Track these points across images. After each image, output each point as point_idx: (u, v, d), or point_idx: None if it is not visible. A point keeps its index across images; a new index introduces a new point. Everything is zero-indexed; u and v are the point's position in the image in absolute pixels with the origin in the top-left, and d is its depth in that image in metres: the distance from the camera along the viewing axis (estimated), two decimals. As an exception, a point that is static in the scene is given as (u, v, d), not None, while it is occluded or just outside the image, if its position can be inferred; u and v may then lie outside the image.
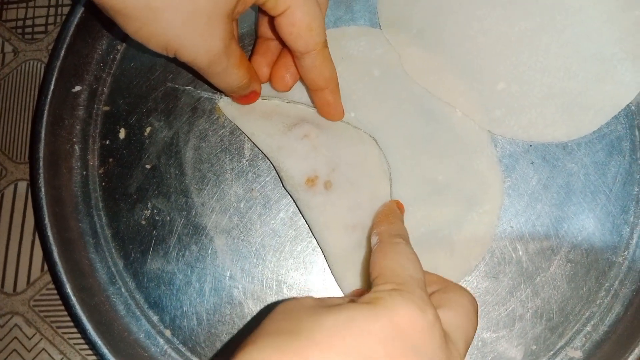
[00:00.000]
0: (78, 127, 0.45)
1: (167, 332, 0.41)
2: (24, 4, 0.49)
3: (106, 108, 0.45)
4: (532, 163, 0.42)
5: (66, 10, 0.48)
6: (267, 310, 0.41)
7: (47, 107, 0.42)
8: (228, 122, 0.44)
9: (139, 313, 0.42)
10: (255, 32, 0.44)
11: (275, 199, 0.43)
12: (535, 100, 0.42)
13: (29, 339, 0.43)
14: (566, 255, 0.41)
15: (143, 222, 0.43)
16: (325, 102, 0.40)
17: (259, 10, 0.40)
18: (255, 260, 0.42)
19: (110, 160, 0.44)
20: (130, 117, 0.44)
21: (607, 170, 0.41)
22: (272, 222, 0.42)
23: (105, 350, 0.39)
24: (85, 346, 0.43)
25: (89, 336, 0.39)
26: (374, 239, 0.33)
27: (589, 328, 0.40)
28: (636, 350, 0.37)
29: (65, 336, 0.43)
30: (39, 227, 0.41)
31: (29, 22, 0.48)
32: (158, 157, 0.44)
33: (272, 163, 0.42)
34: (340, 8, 0.45)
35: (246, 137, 0.43)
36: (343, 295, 0.40)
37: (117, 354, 0.39)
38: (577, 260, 0.40)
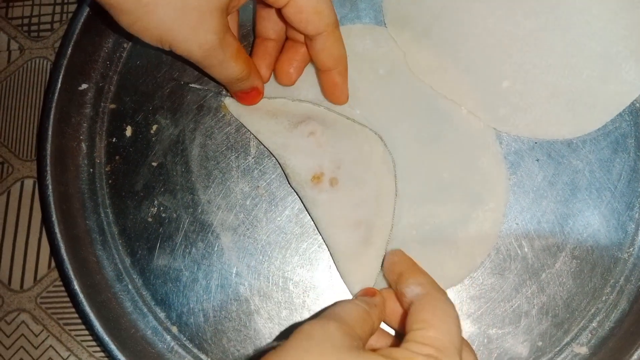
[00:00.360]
0: (85, 124, 0.45)
1: (174, 329, 0.41)
2: (30, 2, 0.49)
3: (113, 106, 0.45)
4: (537, 160, 0.42)
5: (72, 7, 0.48)
6: (287, 331, 0.41)
7: (54, 105, 0.43)
8: (234, 120, 0.44)
9: (146, 310, 0.42)
10: (252, 31, 0.44)
11: (281, 196, 0.43)
12: (540, 98, 0.42)
13: (36, 335, 0.44)
14: (571, 252, 0.41)
15: (150, 220, 0.43)
16: (332, 83, 0.40)
17: (258, 8, 0.40)
18: (261, 257, 0.42)
19: (117, 157, 0.44)
20: (137, 114, 0.45)
21: (612, 167, 0.42)
22: (278, 219, 0.42)
23: (112, 347, 0.39)
24: (92, 343, 0.43)
25: (96, 333, 0.39)
26: (416, 289, 0.33)
27: (594, 324, 0.40)
28: (641, 346, 0.37)
29: (72, 333, 0.43)
30: (47, 224, 0.41)
31: (34, 20, 0.48)
32: (164, 154, 0.44)
33: (277, 160, 0.42)
34: (346, 6, 0.45)
35: (252, 135, 0.43)
36: (352, 296, 0.40)
37: (124, 351, 0.39)
38: (582, 256, 0.41)
